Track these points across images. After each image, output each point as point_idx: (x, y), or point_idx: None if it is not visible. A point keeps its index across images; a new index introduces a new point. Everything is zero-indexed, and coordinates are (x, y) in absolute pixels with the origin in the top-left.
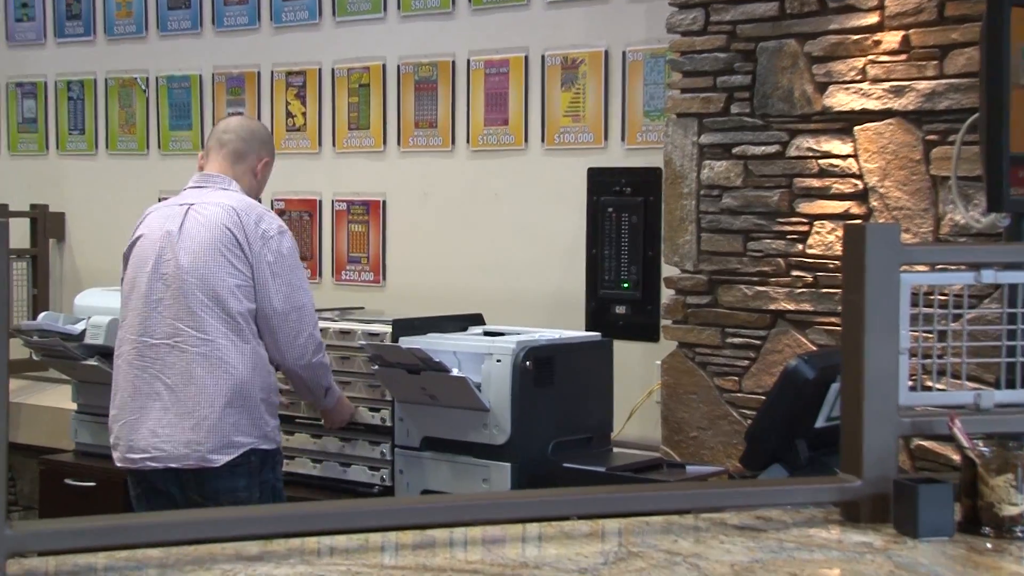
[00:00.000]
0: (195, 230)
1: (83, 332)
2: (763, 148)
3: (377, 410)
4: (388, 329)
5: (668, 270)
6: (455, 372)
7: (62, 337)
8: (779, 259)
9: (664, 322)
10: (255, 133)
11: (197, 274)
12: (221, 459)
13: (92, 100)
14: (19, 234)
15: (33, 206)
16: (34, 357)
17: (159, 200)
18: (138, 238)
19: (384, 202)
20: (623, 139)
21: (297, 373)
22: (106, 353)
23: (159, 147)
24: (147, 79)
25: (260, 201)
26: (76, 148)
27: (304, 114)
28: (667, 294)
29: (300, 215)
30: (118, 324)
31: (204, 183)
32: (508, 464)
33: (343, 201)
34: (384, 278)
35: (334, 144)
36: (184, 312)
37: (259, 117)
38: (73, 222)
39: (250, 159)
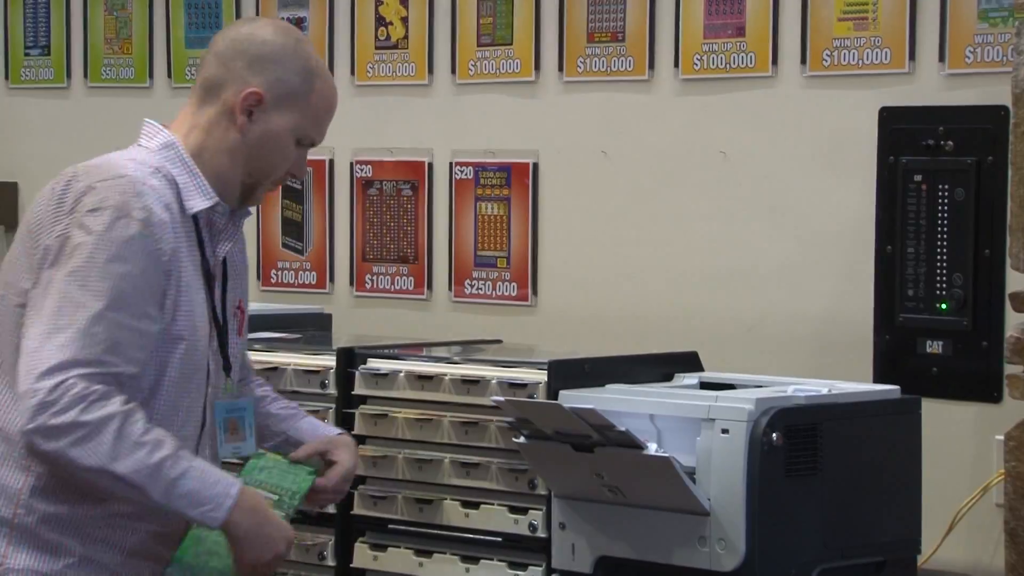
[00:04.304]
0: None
1: None
2: None
3: (523, 511)
4: (542, 377)
5: (1018, 281)
6: (652, 449)
7: None
8: None
9: (1011, 370)
10: (244, 45)
11: (4, 280)
12: None
13: (62, 0)
14: None
15: None
16: None
17: None
18: None
19: (535, 166)
20: (941, 59)
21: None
22: None
23: (169, 75)
24: None
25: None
26: (36, 78)
27: (405, 20)
28: (1016, 322)
29: (397, 186)
30: None
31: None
32: None
33: (468, 165)
34: (535, 292)
35: (453, 70)
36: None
37: (332, 25)
38: (32, 199)
39: (227, 92)
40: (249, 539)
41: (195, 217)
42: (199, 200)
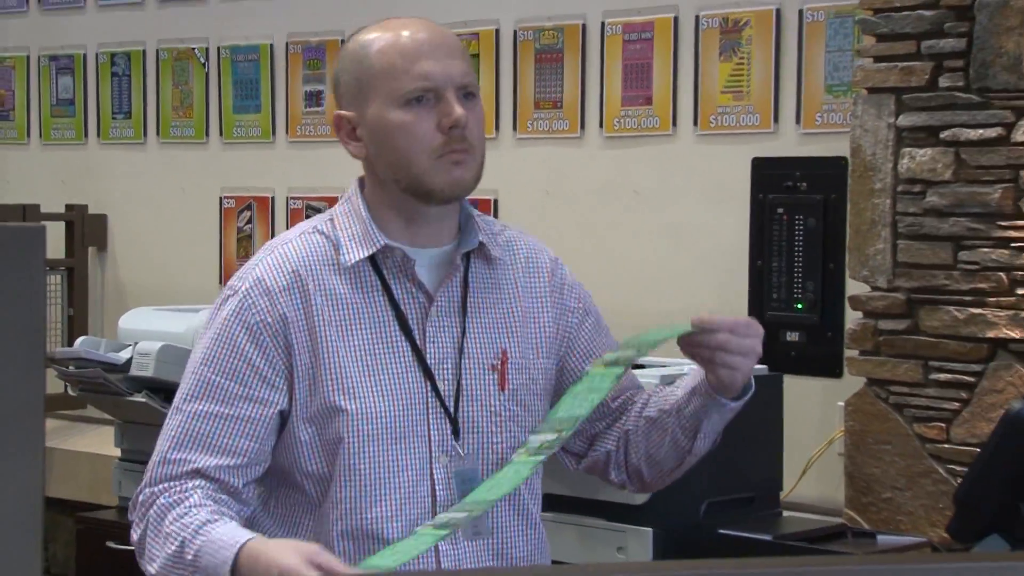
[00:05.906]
0: None
1: (128, 361)
2: (980, 132)
3: None
4: None
5: (854, 287)
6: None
7: (103, 367)
8: (1000, 273)
9: (849, 353)
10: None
11: None
12: None
13: (140, 76)
14: (52, 241)
15: (69, 207)
16: (70, 392)
17: (220, 200)
18: None
19: (495, 202)
20: (798, 121)
21: None
22: (156, 387)
23: (221, 134)
24: (206, 49)
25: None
26: (121, 136)
27: None
28: (853, 317)
29: None
30: None
31: None
32: (649, 529)
33: None
34: None
35: None
36: None
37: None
38: (117, 226)
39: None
40: None
41: (375, 264)
42: (356, 251)
